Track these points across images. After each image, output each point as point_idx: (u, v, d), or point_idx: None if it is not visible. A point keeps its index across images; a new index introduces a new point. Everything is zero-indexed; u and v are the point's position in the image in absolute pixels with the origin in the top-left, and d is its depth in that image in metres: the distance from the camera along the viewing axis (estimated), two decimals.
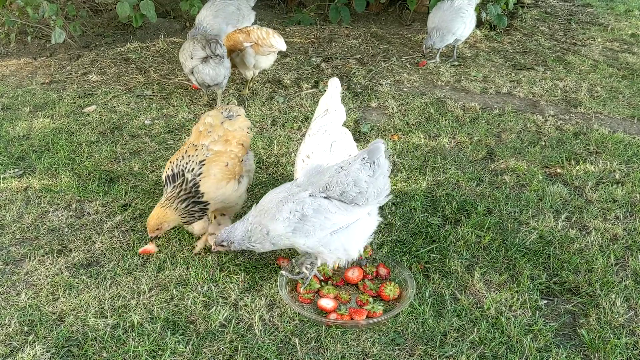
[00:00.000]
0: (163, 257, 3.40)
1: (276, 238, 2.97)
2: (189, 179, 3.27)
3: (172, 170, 3.34)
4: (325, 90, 3.86)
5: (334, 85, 3.82)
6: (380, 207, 3.88)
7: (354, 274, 3.24)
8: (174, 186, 3.29)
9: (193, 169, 3.30)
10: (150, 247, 3.45)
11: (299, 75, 6.31)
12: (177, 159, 3.38)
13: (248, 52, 5.45)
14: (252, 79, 5.78)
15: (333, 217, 2.93)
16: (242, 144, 3.55)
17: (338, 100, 3.77)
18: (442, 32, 6.40)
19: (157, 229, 3.31)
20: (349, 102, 5.56)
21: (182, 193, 3.25)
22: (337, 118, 3.67)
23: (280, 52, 5.76)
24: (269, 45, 5.48)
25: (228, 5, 5.99)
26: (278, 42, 5.52)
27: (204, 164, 3.31)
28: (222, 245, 3.10)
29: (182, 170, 3.31)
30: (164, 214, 3.26)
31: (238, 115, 3.66)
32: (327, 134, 3.51)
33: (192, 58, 5.13)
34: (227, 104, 5.03)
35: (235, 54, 5.49)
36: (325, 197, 2.92)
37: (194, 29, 5.72)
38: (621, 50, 7.54)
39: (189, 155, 3.37)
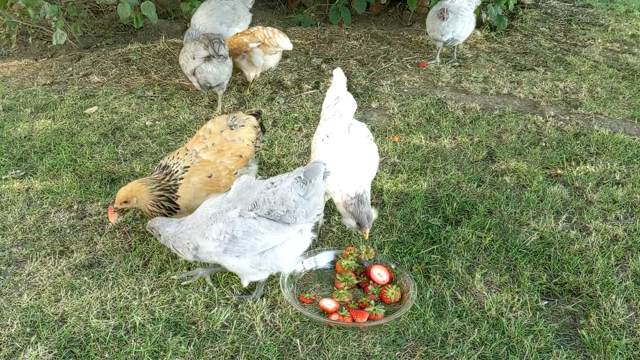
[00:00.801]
0: (165, 258, 3.41)
1: (205, 255, 2.96)
2: (172, 178, 3.35)
3: (166, 161, 3.44)
4: (327, 88, 3.90)
5: (339, 75, 3.89)
6: (381, 208, 3.90)
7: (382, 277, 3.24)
8: (161, 173, 3.38)
9: (177, 171, 3.36)
10: (112, 217, 3.39)
11: (299, 76, 6.32)
12: (173, 157, 3.48)
13: (256, 52, 5.45)
14: (253, 80, 5.79)
15: (263, 238, 2.87)
16: (241, 156, 3.48)
17: (345, 89, 3.84)
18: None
19: (125, 202, 3.34)
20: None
21: (163, 182, 3.33)
22: (349, 105, 3.74)
23: (282, 52, 5.77)
24: (275, 45, 5.49)
25: (223, 5, 5.99)
26: (284, 42, 5.52)
27: (186, 171, 3.35)
28: (152, 229, 3.11)
29: (171, 168, 3.39)
30: (138, 189, 3.31)
31: (242, 125, 3.57)
32: (343, 117, 3.58)
33: (194, 59, 5.11)
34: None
35: (241, 57, 5.49)
36: (254, 217, 2.85)
37: (190, 29, 5.72)
38: (621, 51, 7.55)
39: (179, 158, 3.43)
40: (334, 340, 2.87)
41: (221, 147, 3.45)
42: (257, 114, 3.77)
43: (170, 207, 3.34)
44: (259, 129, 3.71)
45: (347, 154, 3.33)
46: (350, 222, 3.20)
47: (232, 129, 3.54)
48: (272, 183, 2.90)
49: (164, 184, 3.34)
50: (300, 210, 2.85)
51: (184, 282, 3.17)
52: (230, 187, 3.08)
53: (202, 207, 3.04)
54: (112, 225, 3.44)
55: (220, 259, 2.95)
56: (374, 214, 3.20)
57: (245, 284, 3.10)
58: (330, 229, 3.73)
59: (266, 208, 2.84)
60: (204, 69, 5.11)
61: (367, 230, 3.19)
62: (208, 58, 5.09)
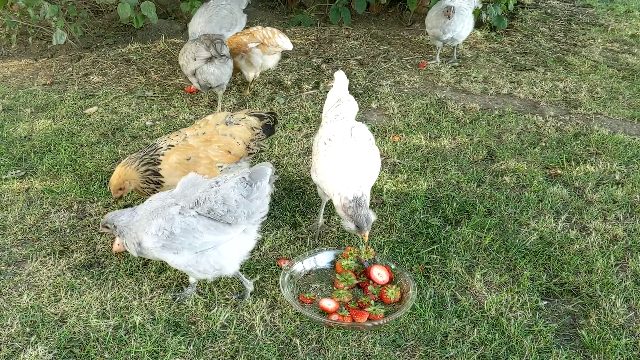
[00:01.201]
0: None
1: (147, 250, 2.96)
2: (155, 152, 3.50)
3: (157, 141, 3.63)
4: (327, 91, 3.89)
5: (341, 77, 3.88)
6: (381, 208, 3.90)
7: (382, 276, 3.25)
8: (142, 151, 3.56)
9: (162, 147, 3.53)
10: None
11: (299, 76, 6.32)
12: (165, 138, 3.64)
13: (255, 52, 5.45)
14: (253, 80, 5.78)
15: (202, 237, 2.86)
16: (229, 152, 3.58)
17: (346, 91, 3.82)
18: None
19: (120, 189, 3.47)
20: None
21: (145, 157, 3.48)
22: (351, 107, 3.73)
23: (282, 52, 5.77)
24: (274, 45, 5.48)
25: (221, 10, 5.96)
26: (284, 42, 5.52)
27: (169, 149, 3.52)
28: (107, 227, 3.09)
29: (155, 145, 3.56)
30: (124, 172, 3.45)
31: (237, 124, 3.66)
32: (345, 120, 3.56)
33: (195, 59, 5.10)
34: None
35: (240, 56, 5.49)
36: (194, 215, 2.85)
37: (190, 38, 5.68)
38: (621, 51, 7.55)
39: (169, 138, 3.61)
40: (333, 340, 2.87)
41: (210, 138, 3.57)
42: (270, 117, 3.80)
43: (157, 181, 3.47)
44: (259, 131, 3.72)
45: (349, 158, 3.32)
46: (349, 225, 3.20)
47: (227, 124, 3.62)
48: (217, 182, 2.91)
49: (145, 158, 3.49)
50: (242, 210, 2.84)
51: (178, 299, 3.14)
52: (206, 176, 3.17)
53: (149, 201, 3.07)
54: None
55: (160, 255, 2.96)
56: (372, 216, 3.20)
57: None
58: (330, 229, 3.73)
59: (207, 207, 2.84)
60: (205, 70, 5.11)
61: (366, 233, 3.19)
62: (210, 59, 5.08)
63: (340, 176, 3.26)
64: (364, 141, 3.46)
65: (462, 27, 6.49)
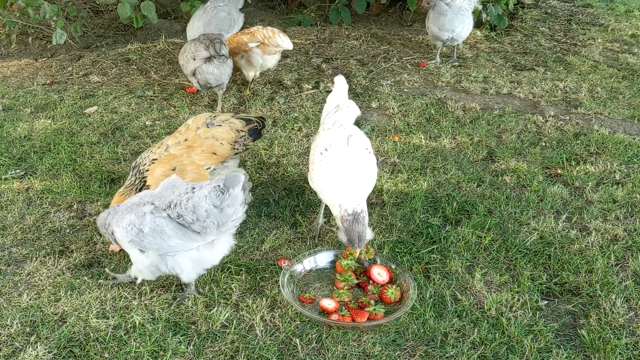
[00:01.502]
0: None
1: (119, 242, 2.98)
2: (140, 172, 3.49)
3: (136, 161, 3.58)
4: (327, 91, 3.88)
5: (341, 83, 3.85)
6: (381, 208, 3.90)
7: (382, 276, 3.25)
8: (132, 175, 3.53)
9: (145, 164, 3.50)
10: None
11: (299, 76, 6.32)
12: (146, 153, 3.61)
13: (255, 52, 5.45)
14: (253, 79, 5.78)
15: (169, 240, 2.86)
16: (214, 153, 3.56)
17: (346, 97, 3.79)
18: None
19: None
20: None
21: (136, 181, 3.47)
22: (350, 113, 3.68)
23: (282, 52, 5.77)
24: (275, 45, 5.48)
25: (219, 12, 5.92)
26: (284, 42, 5.52)
27: (153, 163, 3.49)
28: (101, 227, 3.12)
29: (139, 164, 3.53)
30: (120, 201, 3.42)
31: (219, 125, 3.63)
32: (342, 128, 3.51)
33: (194, 59, 5.10)
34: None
35: (240, 56, 5.49)
36: (165, 217, 2.85)
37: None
38: (621, 50, 7.54)
39: (151, 152, 3.59)
40: (333, 340, 2.87)
41: (192, 144, 3.55)
42: (258, 121, 3.78)
43: None
44: (244, 134, 3.69)
45: (345, 169, 3.29)
46: (342, 237, 3.19)
47: (208, 127, 3.61)
48: (193, 188, 2.87)
49: (137, 184, 3.47)
50: (211, 221, 2.82)
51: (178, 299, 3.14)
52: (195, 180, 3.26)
53: (132, 197, 3.10)
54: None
55: (127, 249, 2.98)
56: (368, 235, 3.18)
57: (132, 272, 3.12)
58: (330, 229, 3.73)
59: (177, 211, 2.83)
60: (205, 70, 5.11)
61: (357, 251, 3.17)
62: (209, 59, 5.08)
63: (338, 188, 3.24)
64: (361, 151, 3.41)
65: (461, 28, 6.49)
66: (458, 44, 6.85)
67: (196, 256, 2.94)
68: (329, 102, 3.80)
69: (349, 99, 3.84)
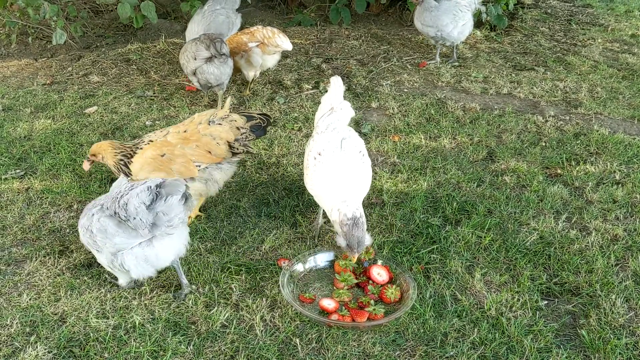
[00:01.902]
0: None
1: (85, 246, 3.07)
2: (135, 147, 3.57)
3: (145, 135, 3.74)
4: (327, 91, 3.87)
5: (337, 84, 3.82)
6: (381, 208, 3.90)
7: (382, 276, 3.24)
8: (132, 142, 3.66)
9: (143, 141, 3.59)
10: (85, 165, 3.77)
11: (299, 76, 6.32)
12: (152, 133, 3.70)
13: (255, 51, 5.45)
14: (253, 80, 5.78)
15: (113, 238, 2.88)
16: (209, 152, 3.54)
17: (341, 98, 3.76)
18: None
19: (94, 155, 3.66)
20: (349, 102, 5.56)
21: (126, 148, 3.57)
22: (344, 115, 3.66)
23: (282, 53, 5.77)
24: (274, 45, 5.48)
25: (217, 16, 5.89)
26: (284, 42, 5.52)
27: (148, 144, 3.56)
28: None
29: (142, 139, 3.66)
30: (105, 148, 3.61)
31: (219, 124, 3.61)
32: (336, 131, 3.50)
33: (195, 59, 5.10)
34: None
35: (240, 55, 5.49)
36: (108, 215, 2.88)
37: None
38: (621, 50, 7.54)
39: (155, 133, 3.66)
40: (333, 340, 2.87)
41: (189, 137, 3.56)
42: (262, 118, 3.75)
43: (126, 172, 3.53)
44: (245, 131, 3.65)
45: (340, 173, 3.29)
46: (341, 242, 3.18)
47: (209, 124, 3.60)
48: (132, 186, 2.91)
49: (126, 149, 3.57)
50: (140, 219, 2.82)
51: (184, 295, 3.15)
52: (194, 180, 3.48)
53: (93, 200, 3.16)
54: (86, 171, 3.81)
55: (92, 251, 3.06)
56: (367, 240, 3.17)
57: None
58: (330, 229, 3.73)
59: (113, 209, 2.87)
60: (205, 70, 5.11)
61: (356, 255, 3.17)
62: (210, 58, 5.08)
63: (335, 193, 3.24)
64: (354, 154, 3.41)
65: (452, 27, 6.41)
66: (457, 45, 6.84)
67: (140, 254, 2.94)
68: (324, 104, 3.78)
69: (349, 99, 3.84)
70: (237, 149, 3.63)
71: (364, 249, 3.18)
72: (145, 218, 2.82)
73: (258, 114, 3.79)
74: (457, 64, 6.76)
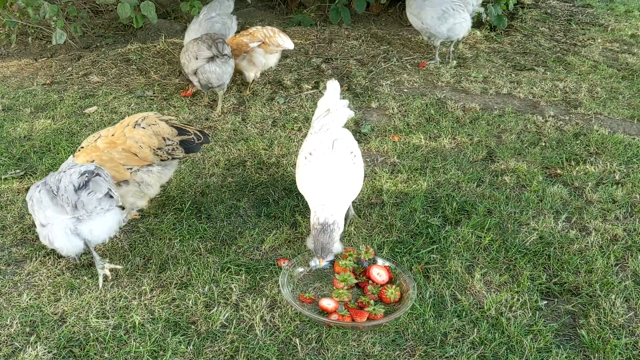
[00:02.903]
0: (164, 257, 3.41)
1: None
2: (72, 154, 3.58)
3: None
4: (327, 89, 3.87)
5: (333, 88, 3.81)
6: (381, 208, 3.90)
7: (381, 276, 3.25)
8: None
9: (82, 146, 3.58)
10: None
11: (299, 76, 6.32)
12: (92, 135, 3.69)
13: (257, 51, 5.46)
14: (253, 80, 5.78)
15: (45, 211, 3.04)
16: (136, 154, 3.48)
17: (337, 100, 3.76)
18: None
19: None
20: (349, 102, 5.56)
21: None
22: (340, 117, 3.67)
23: (282, 52, 5.77)
24: (275, 45, 5.50)
25: (214, 24, 5.90)
26: (285, 41, 5.52)
27: (79, 150, 3.56)
28: None
29: (82, 143, 3.63)
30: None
31: (143, 127, 3.55)
32: (329, 132, 3.51)
33: (197, 59, 5.10)
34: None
35: (241, 57, 5.50)
36: (46, 189, 3.03)
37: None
38: (621, 50, 7.55)
39: (91, 136, 3.66)
40: (333, 340, 2.87)
41: (115, 140, 3.53)
42: (198, 134, 3.66)
43: None
44: (172, 143, 3.57)
45: (327, 175, 3.29)
46: (309, 244, 3.22)
47: (134, 127, 3.56)
48: (73, 166, 3.09)
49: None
50: (67, 197, 2.96)
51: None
52: (127, 183, 3.49)
53: None
54: None
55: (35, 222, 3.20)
56: (335, 248, 3.17)
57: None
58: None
59: (49, 183, 3.03)
60: (207, 69, 5.11)
61: (320, 261, 3.21)
62: (211, 58, 5.08)
63: (317, 194, 3.25)
64: (345, 155, 3.41)
65: (440, 24, 6.36)
66: (455, 44, 6.82)
67: (67, 229, 3.06)
68: (320, 106, 3.78)
69: (349, 99, 3.84)
70: (161, 155, 3.54)
71: (329, 256, 3.19)
72: (70, 198, 2.96)
73: (197, 130, 3.69)
74: (454, 62, 6.72)
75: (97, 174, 2.98)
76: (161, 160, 3.56)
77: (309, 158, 3.40)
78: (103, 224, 3.12)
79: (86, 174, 2.96)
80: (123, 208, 3.54)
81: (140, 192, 3.56)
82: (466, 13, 6.51)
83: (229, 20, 6.10)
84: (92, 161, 3.40)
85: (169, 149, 3.56)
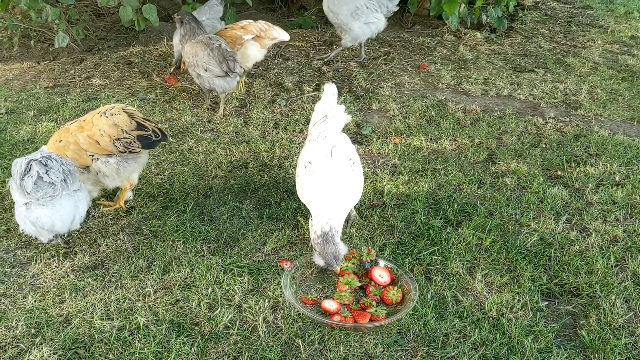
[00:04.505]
0: (168, 259, 3.43)
1: None
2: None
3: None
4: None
5: (330, 92, 3.77)
6: (382, 210, 3.92)
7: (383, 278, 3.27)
8: None
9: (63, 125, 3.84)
10: None
11: (300, 78, 6.35)
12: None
13: (251, 43, 5.50)
14: (244, 71, 5.77)
15: (14, 194, 3.30)
16: (98, 142, 3.60)
17: (335, 105, 3.74)
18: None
19: None
20: (350, 104, 5.59)
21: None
22: (337, 123, 3.66)
23: (283, 55, 5.78)
24: (271, 38, 5.55)
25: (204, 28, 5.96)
26: (280, 33, 5.60)
27: (58, 129, 3.78)
28: None
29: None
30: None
31: (107, 117, 3.62)
32: (327, 139, 3.51)
33: (206, 71, 5.14)
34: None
35: (235, 50, 5.51)
36: (19, 174, 3.20)
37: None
38: (621, 52, 7.57)
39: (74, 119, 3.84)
40: (336, 341, 2.89)
41: (84, 125, 3.67)
42: (156, 132, 3.69)
43: None
44: (129, 137, 3.60)
45: (326, 184, 3.32)
46: (318, 261, 3.24)
47: (101, 116, 3.66)
48: (40, 151, 3.30)
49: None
50: (28, 180, 3.15)
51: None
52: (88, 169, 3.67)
53: None
54: None
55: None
56: (342, 250, 3.21)
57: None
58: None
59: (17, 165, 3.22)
60: (216, 82, 5.20)
61: (337, 268, 3.23)
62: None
63: (316, 203, 3.29)
64: (344, 162, 3.43)
65: (352, 21, 6.40)
66: (362, 42, 6.78)
67: (25, 212, 3.28)
68: (317, 111, 3.77)
69: (350, 101, 3.85)
70: (118, 147, 3.61)
71: (342, 260, 3.23)
72: (15, 179, 3.20)
73: (157, 127, 3.71)
74: (361, 59, 6.75)
75: (37, 160, 3.15)
76: (120, 152, 3.64)
77: (308, 167, 3.41)
78: (53, 212, 3.27)
79: (43, 157, 3.16)
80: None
81: (97, 181, 3.74)
82: (380, 14, 6.53)
83: (218, 25, 6.19)
84: (60, 141, 3.64)
85: (125, 142, 3.63)
